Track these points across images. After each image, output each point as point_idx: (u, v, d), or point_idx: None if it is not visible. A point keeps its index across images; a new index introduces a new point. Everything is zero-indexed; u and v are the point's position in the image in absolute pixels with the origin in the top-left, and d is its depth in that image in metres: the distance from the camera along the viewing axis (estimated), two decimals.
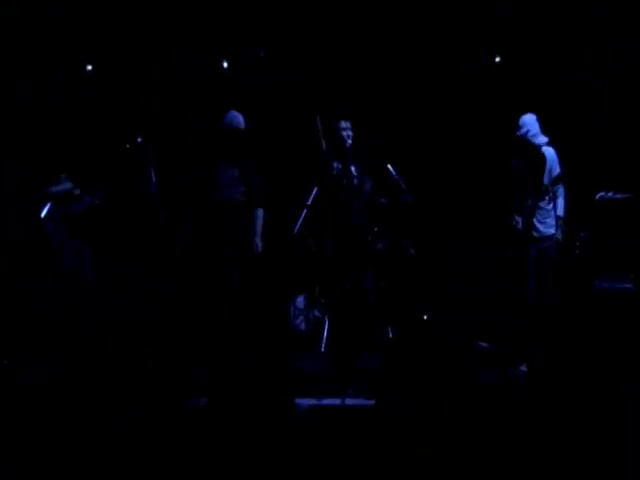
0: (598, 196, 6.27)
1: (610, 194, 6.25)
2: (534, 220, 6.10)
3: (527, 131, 6.08)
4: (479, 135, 7.63)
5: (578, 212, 6.34)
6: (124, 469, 4.09)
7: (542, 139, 6.09)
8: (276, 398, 4.72)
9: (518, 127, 6.15)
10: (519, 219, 6.20)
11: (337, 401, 5.38)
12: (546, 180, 6.12)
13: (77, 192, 6.63)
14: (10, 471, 4.00)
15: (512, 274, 6.44)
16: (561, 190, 6.15)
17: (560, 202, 6.14)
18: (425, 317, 6.82)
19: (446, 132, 7.73)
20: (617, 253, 6.32)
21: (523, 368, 6.02)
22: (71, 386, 5.35)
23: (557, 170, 6.15)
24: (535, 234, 6.13)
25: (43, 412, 4.82)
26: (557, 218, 6.13)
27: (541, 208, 6.13)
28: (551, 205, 6.14)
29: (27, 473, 4.01)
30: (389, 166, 6.53)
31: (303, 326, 7.04)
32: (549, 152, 6.15)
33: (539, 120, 6.14)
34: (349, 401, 5.38)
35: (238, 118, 6.32)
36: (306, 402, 5.26)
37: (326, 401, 5.38)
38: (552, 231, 6.14)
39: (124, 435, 4.54)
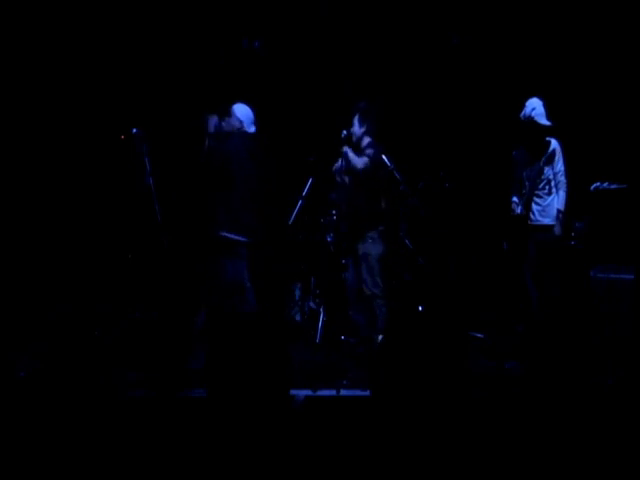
0: (593, 186, 6.27)
1: (605, 184, 6.25)
2: (532, 206, 6.16)
3: (533, 109, 6.08)
4: (477, 126, 7.63)
5: (573, 202, 6.34)
6: (121, 459, 4.10)
7: (547, 122, 6.10)
8: (271, 389, 4.72)
9: (524, 107, 6.15)
10: (517, 202, 6.23)
11: (332, 392, 5.39)
12: (549, 171, 6.16)
13: None
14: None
15: (508, 265, 6.46)
16: (563, 183, 6.17)
17: (561, 195, 6.16)
18: (420, 308, 6.83)
19: (445, 123, 7.72)
20: (613, 243, 6.32)
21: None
22: (67, 378, 5.36)
23: (560, 163, 6.18)
24: (532, 222, 6.17)
25: (39, 405, 4.83)
26: (557, 211, 6.15)
27: (541, 197, 6.17)
28: (551, 197, 6.17)
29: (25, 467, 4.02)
30: (384, 157, 6.51)
31: (298, 317, 7.03)
32: (555, 143, 6.18)
33: (545, 106, 6.15)
34: (344, 392, 5.39)
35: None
36: (301, 393, 5.27)
37: (321, 392, 5.39)
38: (549, 221, 6.16)
39: (120, 425, 4.56)
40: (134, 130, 6.20)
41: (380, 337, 6.21)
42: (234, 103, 6.28)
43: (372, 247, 6.23)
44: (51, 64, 7.51)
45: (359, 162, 6.24)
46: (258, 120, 6.43)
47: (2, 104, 7.34)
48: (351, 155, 6.27)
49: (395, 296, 6.89)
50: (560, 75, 7.25)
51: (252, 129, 6.26)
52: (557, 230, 6.14)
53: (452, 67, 7.67)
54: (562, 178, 6.18)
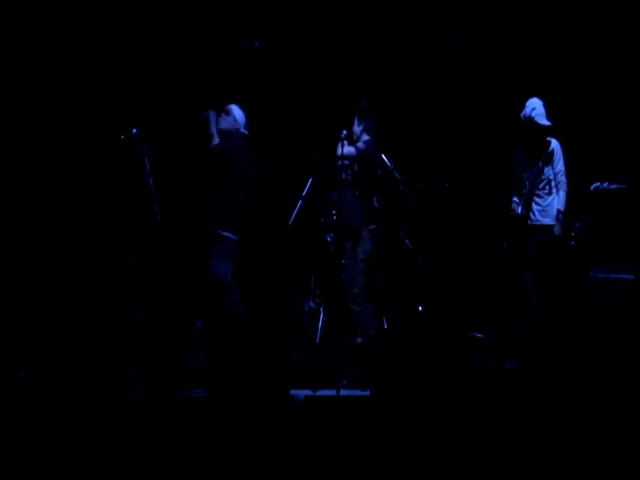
0: (593, 186, 6.27)
1: (605, 184, 6.25)
2: (532, 205, 6.16)
3: (533, 109, 6.08)
4: (477, 126, 7.62)
5: (573, 202, 6.34)
6: (121, 459, 4.10)
7: (547, 122, 6.10)
8: (271, 389, 4.72)
9: (524, 107, 6.15)
10: (518, 202, 6.24)
11: (332, 392, 5.39)
12: (549, 171, 6.16)
13: None
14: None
15: (508, 266, 6.46)
16: (563, 183, 6.17)
17: (561, 195, 6.17)
18: (420, 308, 6.82)
19: (445, 123, 7.72)
20: (613, 243, 6.32)
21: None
22: (67, 378, 5.36)
23: (560, 164, 6.18)
24: (532, 222, 6.18)
25: (39, 405, 4.83)
26: (557, 211, 6.15)
27: (541, 197, 6.17)
28: (552, 197, 6.18)
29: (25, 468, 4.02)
30: (384, 156, 6.52)
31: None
32: (555, 143, 6.18)
33: (545, 106, 6.15)
34: (344, 392, 5.39)
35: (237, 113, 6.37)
36: (301, 393, 5.27)
37: (321, 392, 5.38)
38: (549, 221, 6.17)
39: (120, 425, 4.56)
40: (134, 130, 6.21)
41: (359, 340, 6.23)
42: (229, 103, 6.34)
43: (359, 246, 6.26)
44: (51, 64, 7.51)
45: (346, 150, 6.29)
46: (259, 120, 6.48)
47: (2, 104, 7.35)
48: (344, 147, 6.33)
49: (394, 297, 6.89)
50: (560, 75, 7.25)
51: (246, 132, 6.34)
52: (557, 230, 6.14)
53: (452, 67, 7.67)
54: (562, 178, 6.18)
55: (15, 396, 5.01)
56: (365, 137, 6.33)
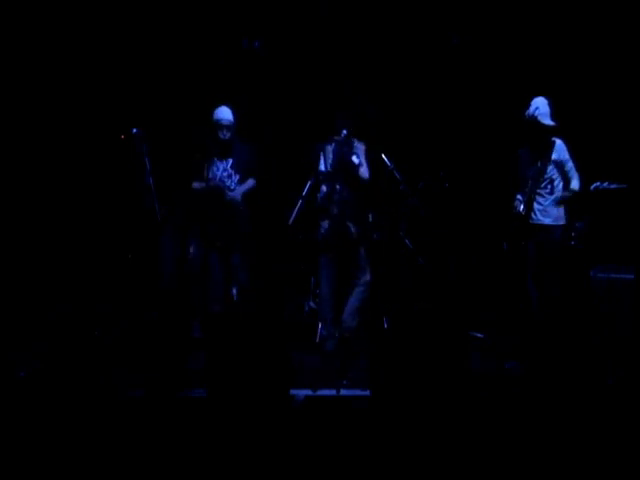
0: (593, 186, 6.26)
1: (605, 184, 6.24)
2: (534, 205, 6.15)
3: (537, 108, 6.06)
4: (478, 126, 7.62)
5: (573, 202, 6.34)
6: (121, 459, 4.10)
7: (550, 122, 6.09)
8: (271, 389, 4.72)
9: (528, 106, 6.14)
10: (521, 200, 6.22)
11: (332, 392, 5.39)
12: (551, 171, 6.15)
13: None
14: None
15: (509, 266, 6.46)
16: (576, 177, 6.17)
17: (575, 183, 6.17)
18: (416, 307, 6.81)
19: (445, 122, 7.72)
20: (613, 243, 6.32)
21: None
22: (66, 378, 5.36)
23: (570, 164, 6.18)
24: (533, 221, 6.17)
25: (39, 405, 4.84)
26: (569, 190, 6.15)
27: (542, 196, 6.16)
28: (553, 197, 6.17)
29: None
30: (384, 156, 6.52)
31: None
32: (560, 144, 6.16)
33: (551, 105, 6.14)
34: (344, 392, 5.39)
35: (223, 112, 6.47)
36: (301, 393, 5.27)
37: (321, 392, 5.39)
38: (550, 221, 6.16)
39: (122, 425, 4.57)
40: (134, 130, 6.22)
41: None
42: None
43: None
44: (51, 64, 7.51)
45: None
46: (259, 120, 6.55)
47: (2, 104, 7.35)
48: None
49: (394, 297, 6.89)
50: (560, 75, 7.24)
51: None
52: (564, 195, 6.16)
53: (452, 67, 7.67)
54: (574, 173, 6.17)
55: (15, 396, 5.02)
56: (342, 134, 6.36)
